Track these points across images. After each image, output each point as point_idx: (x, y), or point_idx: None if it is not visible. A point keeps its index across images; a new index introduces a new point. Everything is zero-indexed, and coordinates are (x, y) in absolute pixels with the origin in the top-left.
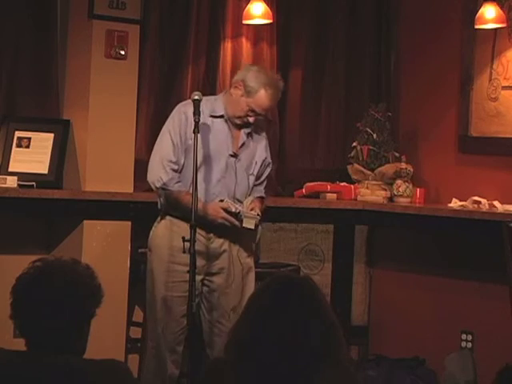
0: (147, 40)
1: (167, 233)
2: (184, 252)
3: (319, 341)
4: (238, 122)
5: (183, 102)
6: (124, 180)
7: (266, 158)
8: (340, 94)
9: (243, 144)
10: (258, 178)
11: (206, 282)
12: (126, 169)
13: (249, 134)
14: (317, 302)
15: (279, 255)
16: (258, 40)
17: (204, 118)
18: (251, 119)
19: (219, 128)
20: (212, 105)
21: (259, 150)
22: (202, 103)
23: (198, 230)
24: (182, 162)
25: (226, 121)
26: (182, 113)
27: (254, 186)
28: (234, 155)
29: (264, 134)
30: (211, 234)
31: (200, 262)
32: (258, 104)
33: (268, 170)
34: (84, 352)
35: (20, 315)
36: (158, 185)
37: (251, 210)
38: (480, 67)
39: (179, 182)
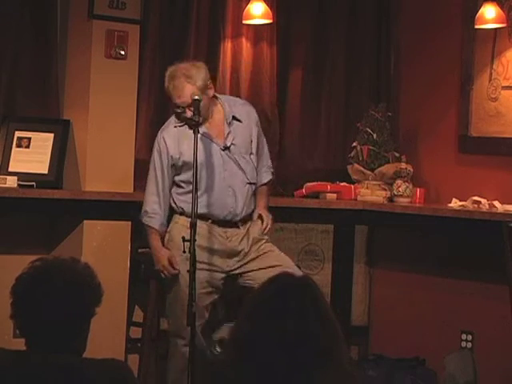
0: (147, 40)
1: (182, 232)
2: (184, 252)
3: (319, 341)
4: (188, 122)
5: (162, 128)
6: (124, 180)
7: (258, 131)
8: (340, 94)
9: (229, 133)
10: (259, 151)
11: (238, 277)
12: (126, 169)
13: (233, 120)
14: (317, 301)
15: None
16: (258, 40)
17: (173, 131)
18: (187, 115)
19: (190, 133)
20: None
21: (252, 126)
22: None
23: (216, 229)
24: (169, 184)
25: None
26: (160, 139)
27: (259, 163)
28: (225, 148)
29: (251, 111)
30: (229, 233)
31: (219, 260)
32: (171, 97)
33: (263, 140)
34: (84, 351)
35: (20, 315)
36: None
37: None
38: (480, 67)
39: (151, 216)
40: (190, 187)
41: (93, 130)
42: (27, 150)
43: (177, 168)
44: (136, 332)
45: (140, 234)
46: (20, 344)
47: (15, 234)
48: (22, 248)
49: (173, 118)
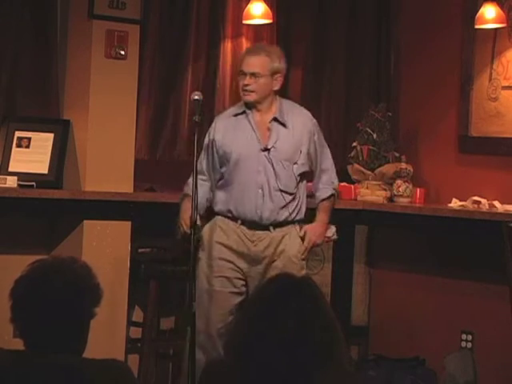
0: (147, 40)
1: (213, 229)
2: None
3: (319, 341)
4: (243, 96)
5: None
6: (124, 180)
7: (313, 143)
8: (340, 94)
9: (271, 135)
10: (315, 165)
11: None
12: (126, 169)
13: (274, 121)
14: (317, 301)
15: None
16: (258, 40)
17: (228, 119)
18: (245, 81)
19: (242, 125)
20: (239, 105)
21: (304, 136)
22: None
23: (244, 230)
24: (213, 168)
25: (247, 116)
26: (214, 122)
27: (320, 176)
28: (265, 149)
29: (307, 121)
30: (256, 236)
31: (242, 263)
32: (241, 63)
33: (322, 154)
34: (84, 351)
35: (20, 317)
36: None
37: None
38: (480, 67)
39: (189, 186)
40: (222, 183)
41: (93, 130)
42: (27, 150)
43: (218, 157)
44: (136, 332)
45: (140, 234)
46: (20, 344)
47: (15, 234)
48: (22, 248)
49: (237, 106)
